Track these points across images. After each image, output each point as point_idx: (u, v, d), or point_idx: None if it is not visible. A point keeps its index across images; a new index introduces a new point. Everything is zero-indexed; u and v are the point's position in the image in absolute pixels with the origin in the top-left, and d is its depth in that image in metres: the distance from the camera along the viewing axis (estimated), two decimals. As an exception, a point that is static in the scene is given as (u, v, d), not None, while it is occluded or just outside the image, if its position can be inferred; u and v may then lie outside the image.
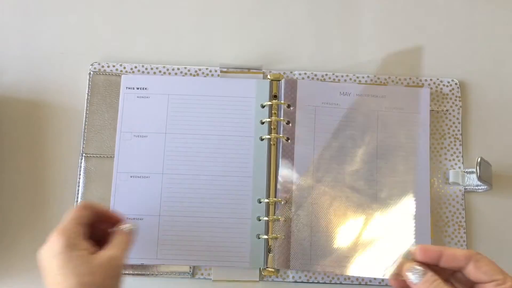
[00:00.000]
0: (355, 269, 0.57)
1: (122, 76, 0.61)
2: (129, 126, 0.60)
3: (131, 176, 0.59)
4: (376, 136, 0.60)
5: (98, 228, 0.49)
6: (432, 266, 0.42)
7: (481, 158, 0.57)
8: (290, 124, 0.60)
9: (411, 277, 0.41)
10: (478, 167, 0.57)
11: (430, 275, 0.41)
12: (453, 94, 0.63)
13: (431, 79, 0.63)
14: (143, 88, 0.61)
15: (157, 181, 0.58)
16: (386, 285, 0.58)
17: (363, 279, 0.58)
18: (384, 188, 0.59)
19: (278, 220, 0.58)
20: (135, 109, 0.60)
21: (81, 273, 0.42)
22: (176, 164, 0.59)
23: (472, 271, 0.41)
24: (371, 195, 0.59)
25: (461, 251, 0.41)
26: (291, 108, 0.60)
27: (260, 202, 0.58)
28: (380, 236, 0.58)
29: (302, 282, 0.58)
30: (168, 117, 0.60)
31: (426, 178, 0.60)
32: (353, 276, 0.58)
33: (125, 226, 0.49)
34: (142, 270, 0.57)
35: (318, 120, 0.60)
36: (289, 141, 0.60)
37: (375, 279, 0.58)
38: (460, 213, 0.60)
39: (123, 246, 0.47)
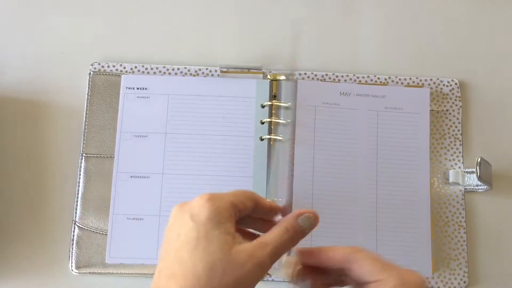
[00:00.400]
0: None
1: (122, 76, 0.61)
2: (129, 126, 0.60)
3: (131, 176, 0.59)
4: (376, 136, 0.60)
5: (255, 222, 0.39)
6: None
7: (481, 158, 0.57)
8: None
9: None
10: (478, 167, 0.57)
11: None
12: (453, 94, 0.63)
13: (431, 79, 0.63)
14: (143, 88, 0.61)
15: (157, 181, 0.58)
16: (386, 285, 0.58)
17: (363, 279, 0.58)
18: (384, 188, 0.59)
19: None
20: (135, 109, 0.60)
21: (214, 263, 0.33)
22: (176, 164, 0.59)
23: (354, 272, 0.36)
24: (371, 195, 0.59)
25: (340, 250, 0.37)
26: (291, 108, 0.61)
27: (260, 202, 0.58)
28: (380, 235, 0.58)
29: (302, 282, 0.58)
30: (168, 117, 0.60)
31: (426, 178, 0.60)
32: (353, 276, 0.58)
33: (303, 218, 0.38)
34: (142, 270, 0.57)
35: (318, 120, 0.60)
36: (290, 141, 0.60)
37: (375, 279, 0.58)
38: (460, 213, 0.60)
39: (278, 250, 0.36)
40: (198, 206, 0.35)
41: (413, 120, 0.61)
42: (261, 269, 0.34)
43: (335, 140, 0.60)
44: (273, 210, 0.40)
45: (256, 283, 0.34)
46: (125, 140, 0.59)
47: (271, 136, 0.60)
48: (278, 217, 0.39)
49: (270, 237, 0.36)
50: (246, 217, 0.38)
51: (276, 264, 0.36)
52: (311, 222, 0.38)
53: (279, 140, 0.60)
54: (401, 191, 0.59)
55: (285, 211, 0.40)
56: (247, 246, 0.35)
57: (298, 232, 0.37)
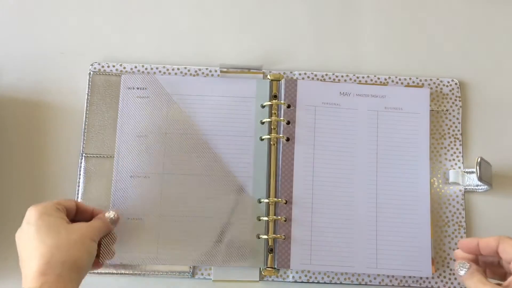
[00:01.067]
0: (357, 267, 0.57)
1: (122, 76, 0.61)
2: (129, 126, 0.60)
3: (131, 176, 0.59)
4: (376, 136, 0.60)
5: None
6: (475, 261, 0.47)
7: (481, 158, 0.57)
8: (290, 124, 0.60)
9: (459, 271, 0.46)
10: (478, 167, 0.57)
11: (474, 268, 0.45)
12: (453, 94, 0.63)
13: (431, 79, 0.63)
14: (143, 88, 0.61)
15: (157, 181, 0.58)
16: (386, 285, 0.58)
17: (363, 279, 0.58)
18: (384, 187, 0.59)
19: (279, 220, 0.58)
20: (135, 109, 0.60)
21: (59, 231, 0.46)
22: (176, 164, 0.59)
23: (501, 253, 0.45)
24: (371, 194, 0.59)
25: (492, 237, 0.46)
26: (291, 108, 0.60)
27: (260, 202, 0.58)
28: (381, 235, 0.58)
29: (302, 282, 0.58)
30: (168, 117, 0.60)
31: (426, 178, 0.59)
32: (353, 276, 0.58)
33: (108, 214, 0.53)
34: (142, 270, 0.57)
35: (318, 120, 0.60)
36: (289, 141, 0.60)
37: (375, 279, 0.58)
38: (460, 213, 0.60)
39: (99, 224, 0.51)
40: (28, 214, 0.48)
41: (413, 120, 0.61)
42: (92, 240, 0.48)
43: (335, 140, 0.60)
44: (95, 212, 0.53)
45: (93, 246, 0.48)
46: (125, 140, 0.59)
47: (271, 136, 0.60)
48: (109, 213, 0.53)
49: (95, 223, 0.51)
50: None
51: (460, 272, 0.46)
52: (114, 219, 0.53)
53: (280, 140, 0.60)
54: (401, 191, 0.59)
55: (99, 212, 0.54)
56: (81, 226, 0.48)
57: (108, 223, 0.52)
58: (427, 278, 0.58)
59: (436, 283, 0.58)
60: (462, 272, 0.46)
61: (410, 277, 0.58)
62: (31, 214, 0.47)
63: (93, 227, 0.50)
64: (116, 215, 0.53)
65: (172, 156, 0.59)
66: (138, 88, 0.61)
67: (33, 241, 0.46)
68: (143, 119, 0.60)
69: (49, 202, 0.49)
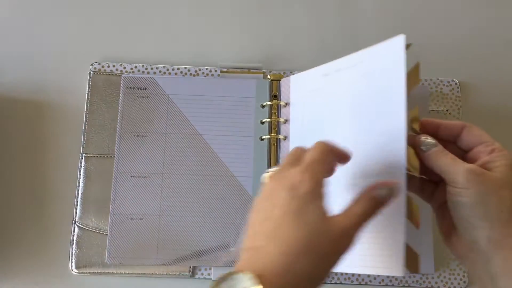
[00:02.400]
0: (357, 267, 0.57)
1: (122, 76, 0.61)
2: (129, 126, 0.60)
3: (131, 176, 0.59)
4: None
5: None
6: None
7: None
8: (287, 123, 0.60)
9: (422, 147, 0.43)
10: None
11: (440, 148, 0.43)
12: (453, 94, 0.63)
13: (431, 79, 0.63)
14: (143, 88, 0.61)
15: (157, 181, 0.58)
16: (386, 285, 0.58)
17: (363, 279, 0.58)
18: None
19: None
20: (135, 109, 0.60)
21: (312, 231, 0.35)
22: (176, 164, 0.59)
23: (464, 137, 0.44)
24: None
25: (456, 121, 0.45)
26: (288, 106, 0.60)
27: (260, 202, 0.58)
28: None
29: (302, 282, 0.58)
30: (168, 117, 0.60)
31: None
32: (353, 276, 0.58)
33: (379, 191, 0.39)
34: (142, 270, 0.57)
35: (308, 109, 0.59)
36: (286, 139, 0.60)
37: (375, 279, 0.58)
38: (460, 213, 0.60)
39: (361, 219, 0.37)
40: (295, 180, 0.36)
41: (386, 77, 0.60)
42: (350, 238, 0.36)
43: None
44: (348, 158, 0.41)
45: (346, 250, 0.36)
46: (125, 140, 0.59)
47: (271, 136, 0.60)
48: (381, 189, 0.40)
49: (356, 208, 0.38)
50: None
51: None
52: (390, 192, 0.39)
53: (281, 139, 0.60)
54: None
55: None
56: (337, 218, 0.36)
57: (379, 203, 0.38)
58: (427, 278, 0.58)
59: (436, 283, 0.58)
60: (424, 148, 0.43)
61: (410, 276, 0.58)
62: (302, 183, 0.36)
63: (356, 219, 0.37)
64: (390, 189, 0.39)
65: (172, 156, 0.59)
66: (138, 88, 0.61)
67: (285, 224, 0.35)
68: (143, 119, 0.60)
69: (324, 173, 0.38)
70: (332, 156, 0.39)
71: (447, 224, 0.44)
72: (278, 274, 0.33)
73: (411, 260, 0.47)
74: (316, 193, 0.36)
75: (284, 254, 0.34)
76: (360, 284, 0.58)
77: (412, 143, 0.44)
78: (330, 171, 0.39)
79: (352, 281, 0.58)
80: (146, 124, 0.60)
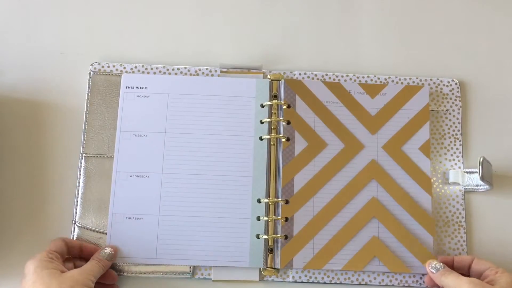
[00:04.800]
0: (357, 265, 0.57)
1: (123, 75, 0.61)
2: (128, 126, 0.60)
3: (130, 176, 0.59)
4: (376, 134, 0.60)
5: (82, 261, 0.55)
6: None
7: (484, 158, 0.57)
8: (290, 124, 0.60)
9: (431, 270, 0.55)
10: (480, 167, 0.56)
11: (447, 268, 0.54)
12: (453, 94, 0.63)
13: (431, 79, 0.63)
14: (143, 87, 0.61)
15: (156, 181, 0.58)
16: (386, 285, 0.58)
17: (363, 279, 0.58)
18: (384, 187, 0.59)
19: (278, 220, 0.58)
20: (135, 108, 0.60)
21: (50, 283, 0.48)
22: (175, 163, 0.59)
23: (475, 267, 0.54)
24: (372, 192, 0.59)
25: (466, 256, 0.56)
26: (291, 108, 0.60)
27: (259, 202, 0.58)
28: (382, 233, 0.58)
29: (302, 282, 0.58)
30: (168, 117, 0.60)
31: (426, 177, 0.59)
32: (353, 276, 0.58)
33: (103, 252, 0.55)
34: (141, 269, 0.57)
35: (318, 119, 0.60)
36: (290, 141, 0.60)
37: (375, 279, 0.58)
38: (460, 213, 0.60)
39: (94, 267, 0.53)
40: (26, 267, 0.50)
41: (412, 118, 0.61)
42: (78, 285, 0.49)
43: (335, 139, 0.60)
44: (83, 247, 0.56)
45: None
46: (124, 139, 0.59)
47: (271, 136, 0.60)
48: (104, 251, 0.55)
49: (88, 266, 0.53)
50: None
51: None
52: (110, 253, 0.55)
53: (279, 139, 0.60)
54: (402, 191, 0.59)
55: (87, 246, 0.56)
56: (73, 273, 0.50)
57: (104, 261, 0.54)
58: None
59: (436, 283, 0.58)
60: (434, 270, 0.54)
61: (410, 276, 0.58)
62: (28, 268, 0.50)
63: (85, 271, 0.51)
64: (112, 250, 0.55)
65: (171, 156, 0.59)
66: (138, 88, 0.61)
67: None
68: (142, 118, 0.60)
69: (42, 253, 0.51)
70: (57, 243, 0.54)
71: None
72: None
73: None
74: (43, 266, 0.50)
75: None
76: (360, 284, 0.58)
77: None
78: (58, 251, 0.53)
79: (352, 281, 0.58)
80: (146, 123, 0.60)
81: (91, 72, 0.62)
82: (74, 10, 0.65)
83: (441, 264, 0.54)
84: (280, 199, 0.58)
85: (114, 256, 0.55)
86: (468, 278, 0.51)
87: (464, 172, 0.60)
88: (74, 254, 0.56)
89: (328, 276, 0.58)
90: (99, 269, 0.53)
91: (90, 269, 0.52)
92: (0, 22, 0.65)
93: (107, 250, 0.55)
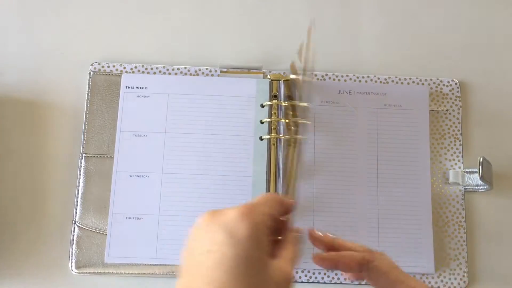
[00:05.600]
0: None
1: (123, 75, 0.61)
2: (128, 125, 0.60)
3: (130, 176, 0.59)
4: (376, 134, 0.60)
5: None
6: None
7: (484, 158, 0.57)
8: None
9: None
10: (480, 167, 0.56)
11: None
12: (453, 94, 0.63)
13: (431, 79, 0.63)
14: (143, 87, 0.61)
15: (156, 181, 0.58)
16: (386, 285, 0.58)
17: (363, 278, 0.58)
18: (385, 187, 0.59)
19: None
20: (135, 108, 0.60)
21: (258, 275, 0.32)
22: (175, 163, 0.59)
23: (371, 273, 0.44)
24: (373, 192, 0.59)
25: (355, 256, 0.44)
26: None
27: (260, 202, 0.58)
28: (382, 233, 0.58)
29: (302, 282, 0.58)
30: (168, 117, 0.60)
31: (426, 177, 0.59)
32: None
33: (299, 233, 0.40)
34: (141, 270, 0.57)
35: (318, 119, 0.60)
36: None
37: (375, 279, 0.58)
38: (460, 213, 0.60)
39: (295, 260, 0.37)
40: (235, 221, 0.33)
41: (412, 117, 0.61)
42: (290, 283, 0.35)
43: (335, 139, 0.60)
44: (292, 210, 0.40)
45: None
46: (124, 139, 0.59)
47: (271, 136, 0.60)
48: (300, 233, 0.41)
49: (289, 252, 0.37)
50: None
51: None
52: (301, 236, 0.40)
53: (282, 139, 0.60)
54: (402, 190, 0.59)
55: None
56: (278, 264, 0.35)
57: (300, 246, 0.39)
58: (427, 278, 0.58)
59: (436, 283, 0.58)
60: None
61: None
62: (237, 228, 0.33)
63: (293, 264, 0.36)
64: (303, 233, 0.41)
65: (171, 156, 0.59)
66: (138, 88, 0.61)
67: (214, 270, 0.32)
68: (142, 118, 0.60)
69: (266, 217, 0.35)
70: (276, 204, 0.37)
71: None
72: None
73: None
74: (257, 239, 0.33)
75: None
76: (360, 284, 0.58)
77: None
78: (275, 218, 0.37)
79: (352, 281, 0.58)
80: (145, 123, 0.60)
81: (91, 72, 0.62)
82: (73, 10, 0.65)
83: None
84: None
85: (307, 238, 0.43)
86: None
87: (464, 172, 0.60)
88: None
89: (328, 276, 0.58)
90: (299, 257, 0.38)
91: (295, 259, 0.37)
92: (0, 22, 0.64)
93: (302, 232, 0.40)
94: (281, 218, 0.39)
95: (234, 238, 0.32)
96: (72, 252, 0.57)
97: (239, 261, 0.32)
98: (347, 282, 0.58)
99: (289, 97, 0.61)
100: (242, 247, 0.32)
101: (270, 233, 0.35)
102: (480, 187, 0.60)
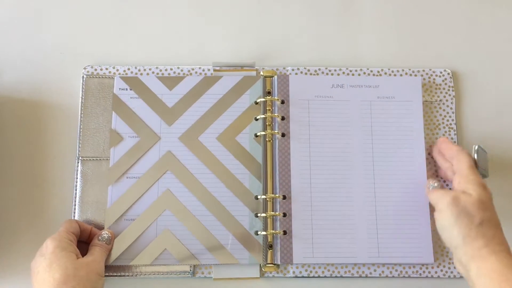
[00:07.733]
0: (359, 258, 0.57)
1: (116, 77, 0.61)
2: (123, 127, 0.60)
3: (127, 177, 0.58)
4: (370, 126, 0.60)
5: (82, 244, 0.56)
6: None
7: (479, 146, 0.57)
8: (285, 120, 0.60)
9: (428, 187, 0.57)
10: (475, 155, 0.56)
11: (439, 187, 0.56)
12: (445, 84, 0.63)
13: (423, 70, 0.63)
14: (136, 89, 0.61)
15: (153, 181, 0.58)
16: (386, 276, 0.58)
17: (363, 271, 0.58)
18: (381, 177, 0.59)
19: (276, 216, 0.58)
20: (128, 110, 0.60)
21: (67, 267, 0.49)
22: (171, 163, 0.59)
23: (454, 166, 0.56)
24: (370, 184, 0.59)
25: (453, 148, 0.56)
26: (285, 103, 0.61)
27: (257, 199, 0.58)
28: (381, 224, 0.58)
29: (302, 277, 0.58)
30: (162, 117, 0.60)
31: (422, 165, 0.60)
32: (353, 269, 0.58)
33: (101, 236, 0.56)
34: (140, 270, 0.57)
35: (312, 114, 0.60)
36: (285, 136, 0.60)
37: (375, 271, 0.58)
38: (457, 202, 0.60)
39: (101, 253, 0.54)
40: (45, 246, 0.51)
41: (406, 108, 0.61)
42: (98, 275, 0.51)
43: (330, 133, 0.60)
44: (93, 232, 0.56)
45: (102, 271, 0.53)
46: (119, 141, 0.59)
47: (266, 132, 0.60)
48: (102, 235, 0.56)
49: (97, 254, 0.54)
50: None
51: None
52: (109, 237, 0.56)
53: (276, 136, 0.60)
54: (399, 181, 0.59)
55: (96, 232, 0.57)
56: (87, 260, 0.51)
57: (105, 246, 0.55)
58: (426, 268, 0.58)
59: (436, 272, 0.58)
60: (430, 188, 0.56)
61: (410, 267, 0.58)
62: (47, 247, 0.51)
63: (97, 259, 0.53)
64: (109, 234, 0.56)
65: (167, 156, 0.59)
66: (131, 89, 0.61)
67: (44, 273, 0.49)
68: (137, 119, 0.60)
69: (61, 232, 0.53)
70: (71, 225, 0.55)
71: None
72: None
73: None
74: (62, 247, 0.50)
75: None
76: (360, 277, 0.58)
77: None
78: (74, 233, 0.54)
79: (352, 274, 0.58)
80: (140, 124, 0.60)
81: (84, 76, 0.62)
82: (73, 10, 0.65)
83: (437, 183, 0.56)
84: (277, 195, 0.58)
85: (112, 239, 0.56)
86: (451, 196, 0.51)
87: (460, 161, 0.60)
88: (82, 238, 0.56)
89: (329, 270, 0.58)
90: (105, 254, 0.55)
91: (100, 257, 0.53)
92: (0, 22, 0.65)
93: (105, 234, 0.56)
94: (87, 228, 0.56)
95: (46, 253, 0.50)
96: (71, 256, 0.57)
97: (52, 262, 0.49)
98: (347, 275, 0.58)
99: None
100: (53, 255, 0.50)
101: (75, 242, 0.53)
102: (476, 176, 0.60)
